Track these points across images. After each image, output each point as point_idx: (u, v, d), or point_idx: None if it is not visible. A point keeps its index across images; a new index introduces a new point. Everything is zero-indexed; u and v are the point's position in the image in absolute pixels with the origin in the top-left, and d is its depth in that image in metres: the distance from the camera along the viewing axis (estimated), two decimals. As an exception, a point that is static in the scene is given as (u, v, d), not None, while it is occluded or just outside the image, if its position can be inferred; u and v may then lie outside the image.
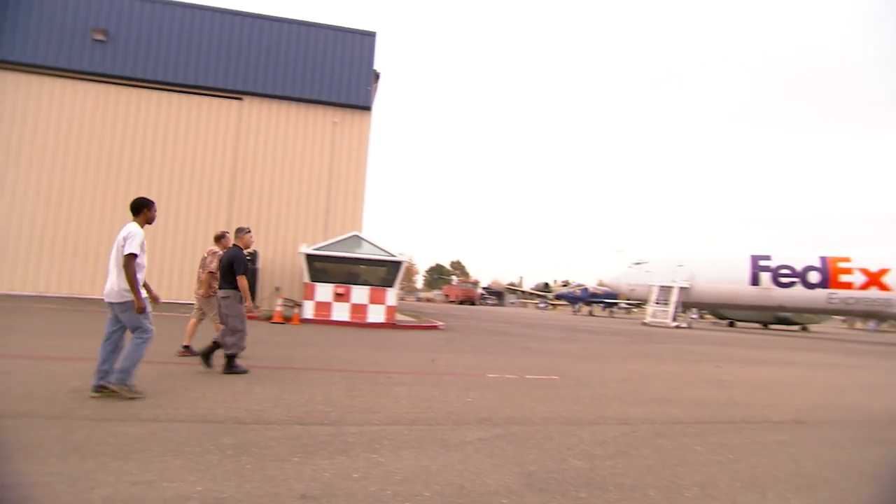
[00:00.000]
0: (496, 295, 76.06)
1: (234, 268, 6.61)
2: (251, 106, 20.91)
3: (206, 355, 6.67)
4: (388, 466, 3.44)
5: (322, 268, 15.28)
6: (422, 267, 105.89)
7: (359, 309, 15.06)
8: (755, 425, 5.47)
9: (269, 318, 14.47)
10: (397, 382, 6.61)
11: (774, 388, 8.30)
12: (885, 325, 50.08)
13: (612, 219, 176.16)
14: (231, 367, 6.52)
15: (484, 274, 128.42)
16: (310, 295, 15.02)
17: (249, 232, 7.08)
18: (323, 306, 14.95)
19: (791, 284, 27.97)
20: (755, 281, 28.77)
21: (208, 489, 2.88)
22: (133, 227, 4.98)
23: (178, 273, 19.52)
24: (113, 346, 4.99)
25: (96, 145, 19.59)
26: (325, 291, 15.02)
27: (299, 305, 15.72)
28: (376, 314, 15.12)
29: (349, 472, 3.30)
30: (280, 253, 20.05)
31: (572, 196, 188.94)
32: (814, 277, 27.50)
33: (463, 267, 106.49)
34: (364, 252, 15.58)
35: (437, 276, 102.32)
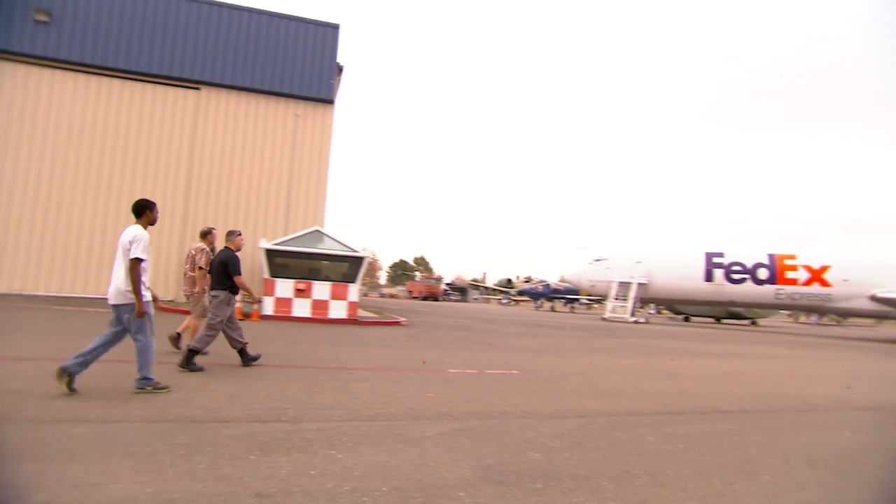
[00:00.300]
0: (459, 291, 76.46)
1: (229, 269, 6.88)
2: (209, 96, 20.29)
3: (244, 357, 7.01)
4: (346, 462, 3.42)
5: (282, 263, 15.02)
6: (385, 263, 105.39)
7: (320, 305, 14.87)
8: (704, 415, 5.70)
9: (227, 315, 14.13)
10: (358, 378, 6.58)
11: (724, 380, 8.64)
12: (825, 319, 52.97)
13: (575, 216, 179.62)
14: (188, 363, 6.43)
15: (447, 270, 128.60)
16: (270, 291, 14.74)
17: (240, 235, 7.31)
18: (283, 302, 14.70)
19: (742, 281, 29.16)
20: (709, 277, 29.84)
21: (159, 490, 2.80)
22: (139, 230, 5.02)
23: (130, 268, 18.81)
24: (108, 346, 5.01)
25: (39, 133, 18.59)
26: (285, 287, 14.77)
27: (259, 301, 15.41)
28: (338, 310, 14.97)
29: (306, 468, 3.27)
30: (239, 248, 19.58)
31: (535, 193, 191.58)
32: (763, 274, 28.76)
33: (426, 263, 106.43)
34: (326, 247, 15.39)
35: (401, 271, 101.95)
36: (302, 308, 14.76)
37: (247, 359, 7.02)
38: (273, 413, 4.60)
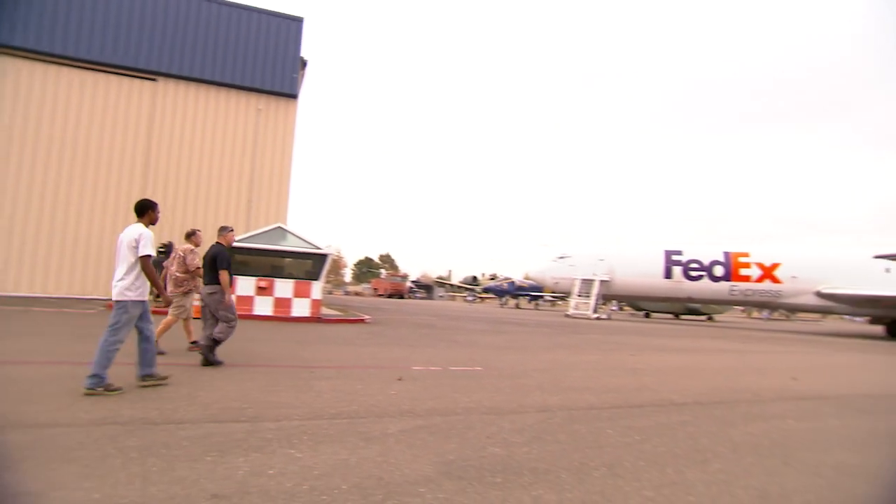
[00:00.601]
0: (425, 288, 76.31)
1: (217, 263, 7.03)
2: (166, 88, 19.64)
3: (206, 355, 6.87)
4: (305, 461, 3.38)
5: (243, 260, 14.67)
6: (350, 260, 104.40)
7: (282, 303, 14.61)
8: (661, 408, 5.87)
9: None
10: (320, 377, 6.49)
11: (681, 374, 8.92)
12: (775, 314, 55.38)
13: (539, 214, 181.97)
14: (210, 353, 6.85)
15: (413, 267, 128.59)
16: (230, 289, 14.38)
17: (232, 230, 7.63)
18: (244, 300, 14.36)
19: (699, 278, 30.12)
20: (668, 275, 30.69)
21: (107, 495, 2.70)
22: (142, 229, 5.23)
23: (81, 266, 18.03)
24: (145, 340, 5.33)
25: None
26: (246, 285, 14.44)
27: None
28: (300, 308, 14.74)
29: (264, 468, 3.21)
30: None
31: (500, 191, 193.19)
32: (718, 271, 29.78)
33: (392, 260, 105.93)
34: (288, 244, 15.12)
35: (366, 269, 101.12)
36: (264, 306, 14.47)
37: (209, 358, 6.87)
38: (231, 413, 4.50)
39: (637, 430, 4.76)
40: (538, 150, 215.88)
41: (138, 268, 5.13)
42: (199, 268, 7.97)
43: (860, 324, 45.53)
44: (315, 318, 14.82)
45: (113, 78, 19.03)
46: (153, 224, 5.44)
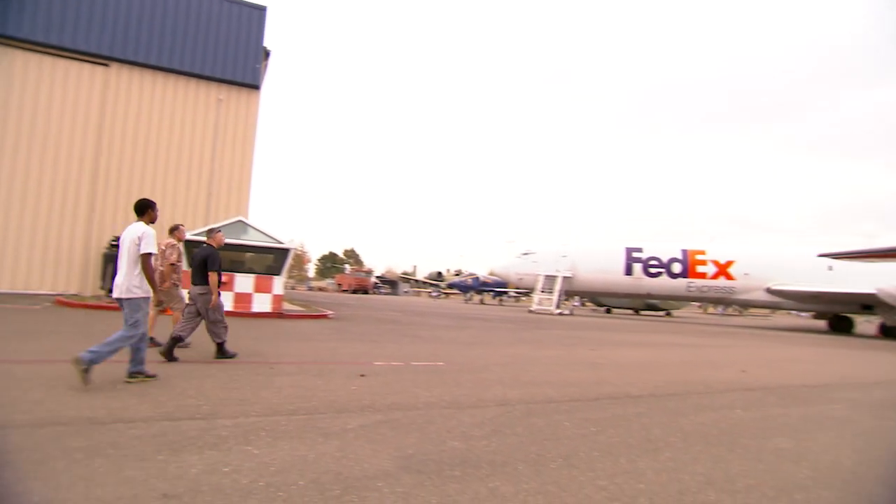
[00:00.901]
0: (390, 284, 75.87)
1: (208, 264, 7.17)
2: (119, 74, 18.81)
3: (169, 351, 6.80)
4: (262, 458, 3.33)
5: (202, 255, 14.26)
6: (314, 255, 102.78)
7: (243, 298, 14.29)
8: (617, 400, 6.04)
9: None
10: (280, 373, 6.40)
11: (639, 367, 9.19)
12: (729, 310, 57.59)
13: (503, 210, 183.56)
14: (223, 353, 7.16)
15: (378, 262, 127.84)
16: (189, 283, 13.95)
17: (220, 231, 7.81)
18: (203, 296, 13.97)
19: (658, 274, 31.03)
20: (629, 271, 31.49)
21: (48, 500, 2.59)
22: (145, 227, 5.39)
23: (25, 260, 17.14)
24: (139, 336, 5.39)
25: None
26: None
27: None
28: (262, 303, 14.44)
29: (219, 466, 3.15)
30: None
31: (465, 187, 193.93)
32: (676, 268, 30.77)
33: (357, 255, 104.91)
34: (249, 238, 14.77)
35: (330, 264, 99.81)
36: (223, 301, 14.09)
37: (170, 352, 6.77)
38: (186, 410, 4.38)
39: (593, 422, 4.89)
40: (505, 147, 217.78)
41: (140, 265, 5.27)
42: (173, 264, 8.15)
43: (806, 319, 47.85)
44: (276, 314, 14.57)
45: (60, 61, 18.06)
46: (153, 222, 5.57)
